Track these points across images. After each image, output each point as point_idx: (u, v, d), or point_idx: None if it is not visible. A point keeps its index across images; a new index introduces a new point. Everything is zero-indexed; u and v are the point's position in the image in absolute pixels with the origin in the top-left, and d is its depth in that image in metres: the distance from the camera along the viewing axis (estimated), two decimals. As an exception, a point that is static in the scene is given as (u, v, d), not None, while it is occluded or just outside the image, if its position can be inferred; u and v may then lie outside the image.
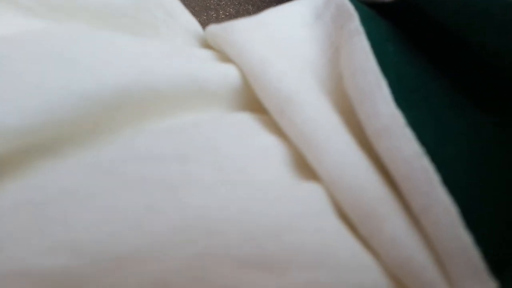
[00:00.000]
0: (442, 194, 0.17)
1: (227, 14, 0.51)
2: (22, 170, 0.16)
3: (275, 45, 0.24)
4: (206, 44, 0.27)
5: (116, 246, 0.15)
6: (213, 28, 0.26)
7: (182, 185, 0.16)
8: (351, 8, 0.24)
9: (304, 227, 0.16)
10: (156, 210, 0.16)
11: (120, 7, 0.24)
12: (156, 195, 0.16)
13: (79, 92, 0.17)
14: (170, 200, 0.16)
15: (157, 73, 0.20)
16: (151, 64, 0.20)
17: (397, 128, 0.18)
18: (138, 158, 0.17)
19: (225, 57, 0.25)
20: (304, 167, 0.20)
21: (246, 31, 0.24)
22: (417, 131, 0.18)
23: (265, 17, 0.26)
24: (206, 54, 0.25)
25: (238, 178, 0.17)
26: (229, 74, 0.23)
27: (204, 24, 0.30)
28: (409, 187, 0.17)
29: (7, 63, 0.17)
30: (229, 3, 0.49)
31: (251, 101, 0.23)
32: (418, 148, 0.17)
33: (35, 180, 0.16)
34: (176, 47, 0.24)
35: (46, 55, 0.18)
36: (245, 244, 0.16)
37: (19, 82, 0.17)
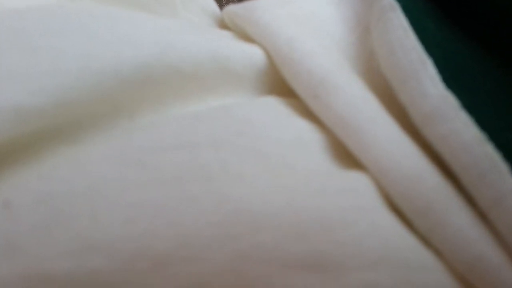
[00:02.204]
0: None
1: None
2: (37, 157, 0.15)
3: (302, 24, 0.22)
4: (223, 25, 0.25)
5: (151, 245, 0.13)
6: (232, 8, 0.24)
7: (219, 174, 0.15)
8: None
9: (357, 222, 0.15)
10: (194, 204, 0.14)
11: None
12: (192, 187, 0.14)
13: (97, 69, 0.16)
14: (207, 191, 0.14)
15: (180, 50, 0.18)
16: (173, 41, 0.19)
17: (450, 110, 0.16)
18: (169, 146, 0.15)
19: (245, 39, 0.23)
20: (343, 154, 0.18)
21: (269, 9, 0.22)
22: (473, 114, 0.16)
23: None
24: (227, 34, 0.23)
25: (278, 166, 0.16)
26: (254, 54, 0.21)
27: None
28: (473, 177, 0.15)
29: (20, 38, 0.15)
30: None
31: (277, 83, 0.21)
32: (478, 133, 0.15)
33: (58, 171, 0.14)
34: (197, 26, 0.22)
35: (62, 30, 0.16)
36: (295, 241, 0.14)
37: (32, 59, 0.15)
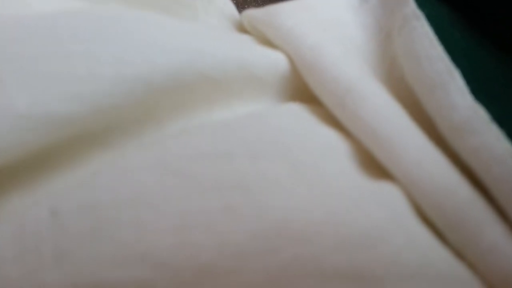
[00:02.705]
0: None
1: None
2: (73, 163, 0.15)
3: (325, 29, 0.22)
4: (241, 29, 0.25)
5: (196, 256, 0.13)
6: (252, 12, 0.24)
7: (257, 184, 0.15)
8: None
9: (395, 235, 0.15)
10: (234, 214, 0.14)
11: None
12: (231, 197, 0.14)
13: (130, 75, 0.16)
14: (247, 202, 0.14)
15: (208, 57, 0.18)
16: (202, 48, 0.19)
17: (480, 123, 0.16)
18: (205, 155, 0.15)
19: (265, 43, 0.23)
20: (370, 164, 0.18)
21: (292, 14, 0.22)
22: (503, 127, 0.16)
23: None
24: (247, 38, 0.23)
25: (313, 176, 0.16)
26: (277, 60, 0.21)
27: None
28: (505, 190, 0.15)
29: (54, 43, 0.15)
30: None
31: (300, 90, 0.21)
32: (510, 146, 0.16)
33: (100, 179, 0.14)
34: (220, 30, 0.22)
35: (95, 35, 0.16)
36: (336, 253, 0.14)
37: (67, 65, 0.15)
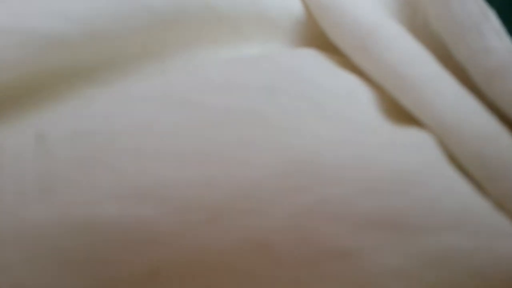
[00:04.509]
0: None
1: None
2: (69, 94, 0.13)
3: None
4: None
5: (206, 195, 0.11)
6: None
7: (277, 121, 0.13)
8: None
9: (431, 181, 0.13)
10: (251, 148, 0.12)
11: None
12: (248, 131, 0.12)
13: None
14: (265, 136, 0.12)
15: None
16: None
17: None
18: (217, 88, 0.13)
19: None
20: (394, 111, 0.16)
21: None
22: None
23: None
24: None
25: (337, 117, 0.14)
26: (291, 1, 0.19)
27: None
28: None
29: None
30: None
31: (314, 36, 0.20)
32: None
33: (95, 109, 0.12)
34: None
35: None
36: (366, 197, 0.12)
37: None
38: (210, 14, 0.17)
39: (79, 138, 0.11)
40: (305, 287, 0.12)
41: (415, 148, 0.14)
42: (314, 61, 0.17)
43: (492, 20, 0.16)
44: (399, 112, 0.16)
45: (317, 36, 0.20)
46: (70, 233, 0.10)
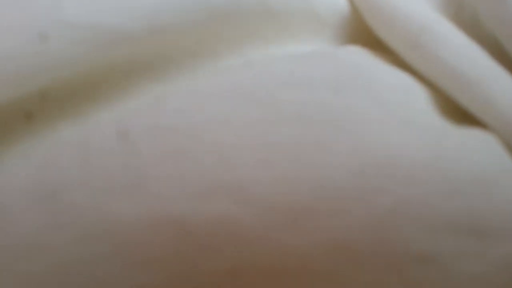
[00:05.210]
0: None
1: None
2: (138, 88, 0.12)
3: None
4: None
5: (286, 194, 0.11)
6: None
7: (346, 118, 0.13)
8: None
9: (509, 183, 0.13)
10: (326, 148, 0.12)
11: None
12: (320, 129, 0.12)
13: None
14: (338, 136, 0.12)
15: None
16: None
17: None
18: (282, 84, 0.13)
19: None
20: (451, 110, 0.16)
21: None
22: None
23: None
24: None
25: (403, 115, 0.14)
26: None
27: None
28: None
29: None
30: None
31: (359, 32, 0.19)
32: None
33: (172, 103, 0.12)
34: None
35: None
36: (447, 199, 0.12)
37: None
38: (264, 10, 0.16)
39: (161, 133, 0.11)
40: None
41: (486, 150, 0.14)
42: (367, 59, 0.17)
43: None
44: (454, 111, 0.16)
45: (362, 33, 0.19)
46: (157, 228, 0.10)
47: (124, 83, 0.13)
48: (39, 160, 0.12)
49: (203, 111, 0.12)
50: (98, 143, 0.11)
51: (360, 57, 0.16)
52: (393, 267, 0.11)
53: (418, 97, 0.16)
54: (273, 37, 0.17)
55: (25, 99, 0.12)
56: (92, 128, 0.12)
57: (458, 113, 0.16)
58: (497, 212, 0.12)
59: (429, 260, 0.11)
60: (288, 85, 0.13)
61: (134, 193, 0.10)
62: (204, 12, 0.15)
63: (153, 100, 0.12)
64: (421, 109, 0.15)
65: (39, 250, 0.11)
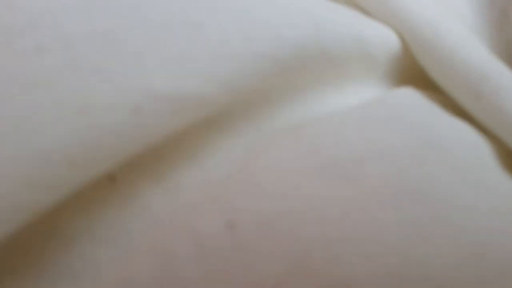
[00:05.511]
0: None
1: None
2: (192, 150, 0.13)
3: (436, 3, 0.19)
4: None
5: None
6: None
7: (435, 196, 0.12)
8: None
9: None
10: (426, 235, 0.11)
11: None
12: (412, 210, 0.12)
13: (258, 52, 0.14)
14: (432, 218, 0.12)
15: (330, 31, 0.16)
16: (323, 20, 0.16)
17: None
18: (364, 155, 0.12)
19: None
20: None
21: None
22: None
23: None
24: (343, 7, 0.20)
25: (477, 182, 0.13)
26: (389, 36, 0.18)
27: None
28: None
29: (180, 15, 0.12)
30: None
31: (411, 72, 0.19)
32: None
33: (268, 186, 0.12)
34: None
35: (222, 7, 0.13)
36: None
37: (196, 41, 0.13)
38: (323, 57, 0.16)
39: (265, 224, 0.11)
40: None
41: None
42: (428, 108, 0.16)
43: None
44: None
45: (413, 73, 0.19)
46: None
47: (201, 141, 0.13)
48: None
49: (292, 197, 0.11)
50: (208, 233, 0.11)
51: (422, 110, 0.16)
52: None
53: (485, 154, 0.15)
54: (329, 82, 0.17)
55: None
56: (199, 212, 0.11)
57: None
58: None
59: None
60: (369, 157, 0.13)
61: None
62: (271, 69, 0.14)
63: (240, 178, 0.12)
64: (498, 175, 0.14)
65: None
